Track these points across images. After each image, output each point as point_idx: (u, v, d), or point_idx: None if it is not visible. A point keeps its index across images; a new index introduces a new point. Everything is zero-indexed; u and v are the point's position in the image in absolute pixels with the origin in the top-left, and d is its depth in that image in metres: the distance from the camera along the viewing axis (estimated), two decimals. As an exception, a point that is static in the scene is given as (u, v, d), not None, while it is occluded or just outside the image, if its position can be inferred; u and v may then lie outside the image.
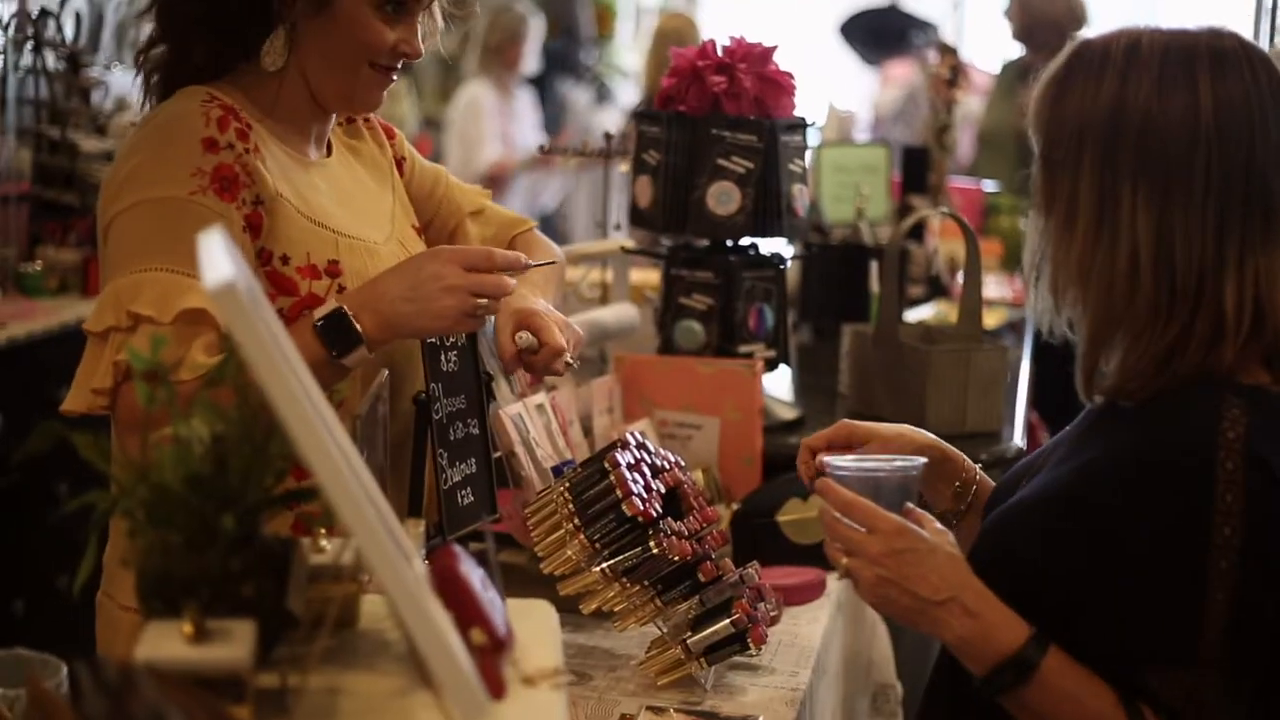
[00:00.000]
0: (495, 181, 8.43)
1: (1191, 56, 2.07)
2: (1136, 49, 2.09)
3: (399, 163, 2.80)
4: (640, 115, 3.63)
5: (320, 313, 2.34)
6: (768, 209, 3.46)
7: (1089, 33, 2.19)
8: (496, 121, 8.99)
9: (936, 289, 5.27)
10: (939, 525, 2.15)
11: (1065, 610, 2.03)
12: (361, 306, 2.34)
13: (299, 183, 2.51)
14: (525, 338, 2.48)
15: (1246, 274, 2.04)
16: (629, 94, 11.76)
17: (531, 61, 9.38)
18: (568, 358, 2.52)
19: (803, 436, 2.44)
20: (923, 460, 2.25)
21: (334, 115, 2.63)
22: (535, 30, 9.24)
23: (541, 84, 10.96)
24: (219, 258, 1.46)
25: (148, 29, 2.57)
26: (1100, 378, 2.14)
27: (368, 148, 2.75)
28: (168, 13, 2.52)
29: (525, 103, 9.50)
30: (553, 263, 2.66)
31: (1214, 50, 2.07)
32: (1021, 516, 2.14)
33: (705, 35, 8.41)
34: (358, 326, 2.32)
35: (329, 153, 2.65)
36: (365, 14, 2.46)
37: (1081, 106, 2.09)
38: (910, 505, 2.18)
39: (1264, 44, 9.73)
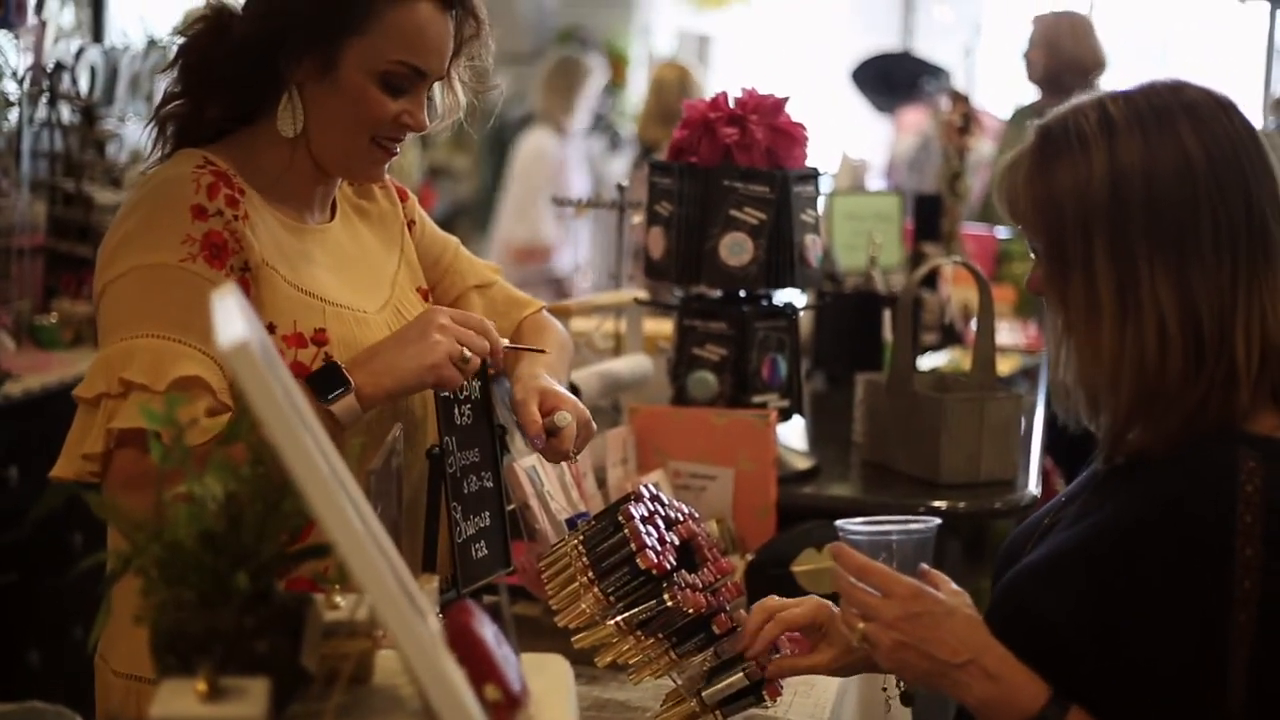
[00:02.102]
0: (533, 254, 8.48)
1: (1168, 112, 2.07)
2: (1108, 117, 2.09)
3: (409, 225, 2.81)
4: (652, 167, 3.63)
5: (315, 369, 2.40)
6: (780, 259, 3.46)
7: (1105, 80, 2.18)
8: (560, 170, 9.05)
9: (950, 336, 5.27)
10: (955, 586, 2.16)
11: (1086, 670, 2.02)
12: (354, 360, 2.39)
13: (289, 250, 2.52)
14: (565, 418, 2.52)
15: (1254, 313, 2.04)
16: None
17: (587, 111, 9.44)
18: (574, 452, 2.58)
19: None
20: (937, 521, 2.26)
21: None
22: (598, 79, 9.26)
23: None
24: (233, 317, 1.46)
25: (164, 83, 2.59)
26: (1131, 444, 2.12)
27: (377, 208, 2.76)
28: (188, 70, 2.55)
29: (579, 151, 9.55)
30: (542, 351, 2.65)
31: (1185, 102, 2.08)
32: (1037, 577, 2.13)
33: (703, 84, 8.49)
34: (346, 374, 2.35)
35: (333, 214, 2.67)
36: (368, 84, 2.47)
37: (1076, 187, 2.08)
38: (925, 567, 2.19)
39: (1275, 86, 9.76)
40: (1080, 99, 2.15)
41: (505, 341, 2.53)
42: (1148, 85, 2.12)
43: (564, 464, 2.84)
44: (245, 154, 2.53)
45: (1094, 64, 7.12)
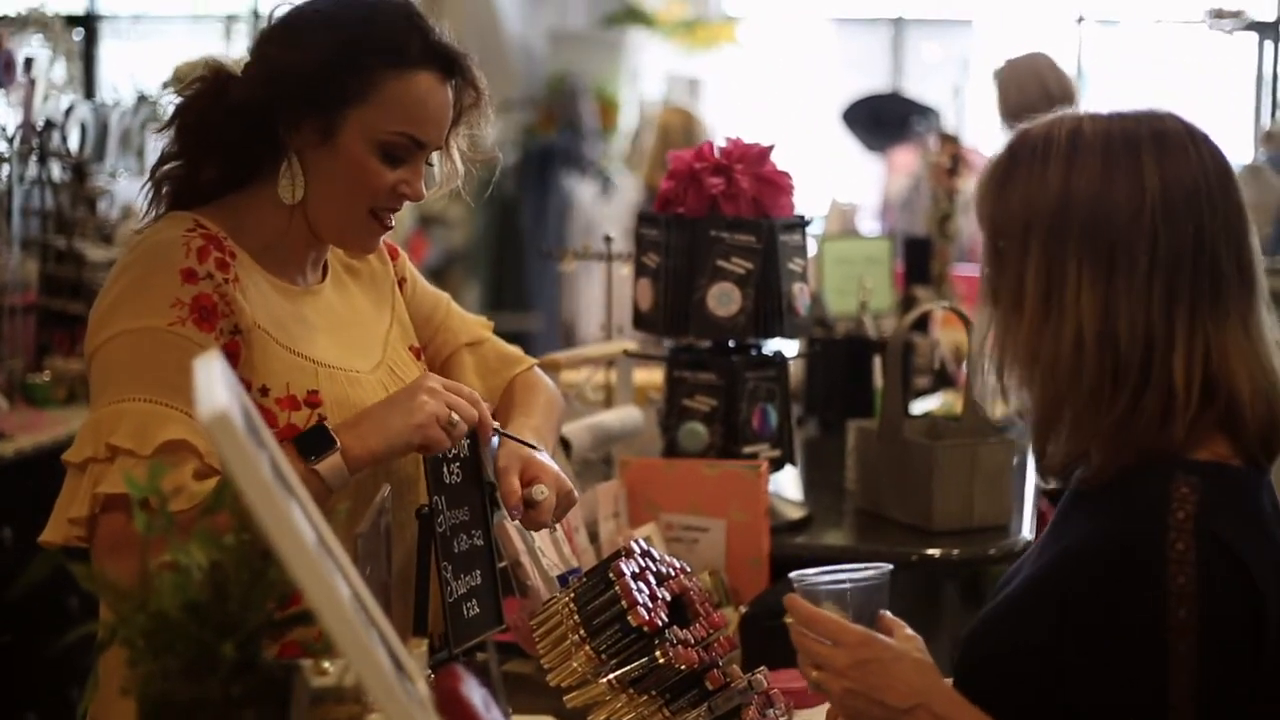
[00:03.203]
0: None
1: (1135, 140, 2.11)
2: (1079, 135, 2.13)
3: (400, 283, 2.81)
4: (640, 218, 3.64)
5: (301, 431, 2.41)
6: (769, 309, 3.47)
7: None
8: None
9: (943, 379, 5.27)
10: (909, 631, 2.21)
11: (1045, 701, 2.05)
12: (342, 423, 2.40)
13: (281, 312, 2.52)
14: (542, 491, 2.53)
15: (1196, 348, 2.06)
16: (633, 187, 11.81)
17: None
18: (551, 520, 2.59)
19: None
20: (889, 567, 2.29)
21: None
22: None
23: (544, 179, 11.01)
24: (215, 385, 1.46)
25: (155, 141, 2.60)
26: (1052, 459, 2.19)
27: (368, 267, 2.76)
28: (185, 132, 2.55)
29: None
30: (533, 446, 2.64)
31: (1156, 132, 2.12)
32: (1004, 613, 2.17)
33: (707, 127, 8.49)
34: (333, 434, 2.35)
35: (324, 276, 2.67)
36: (367, 153, 2.47)
37: (1028, 195, 2.13)
38: (882, 612, 2.24)
39: (1264, 118, 9.77)
40: (1066, 112, 2.20)
41: (496, 424, 2.54)
42: (1131, 112, 2.16)
43: (555, 519, 2.84)
44: (239, 217, 2.53)
45: (1063, 97, 7.12)
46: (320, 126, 2.46)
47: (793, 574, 2.30)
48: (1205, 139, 2.14)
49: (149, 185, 2.58)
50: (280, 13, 2.54)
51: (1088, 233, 2.08)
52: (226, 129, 2.49)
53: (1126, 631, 1.99)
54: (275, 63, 2.47)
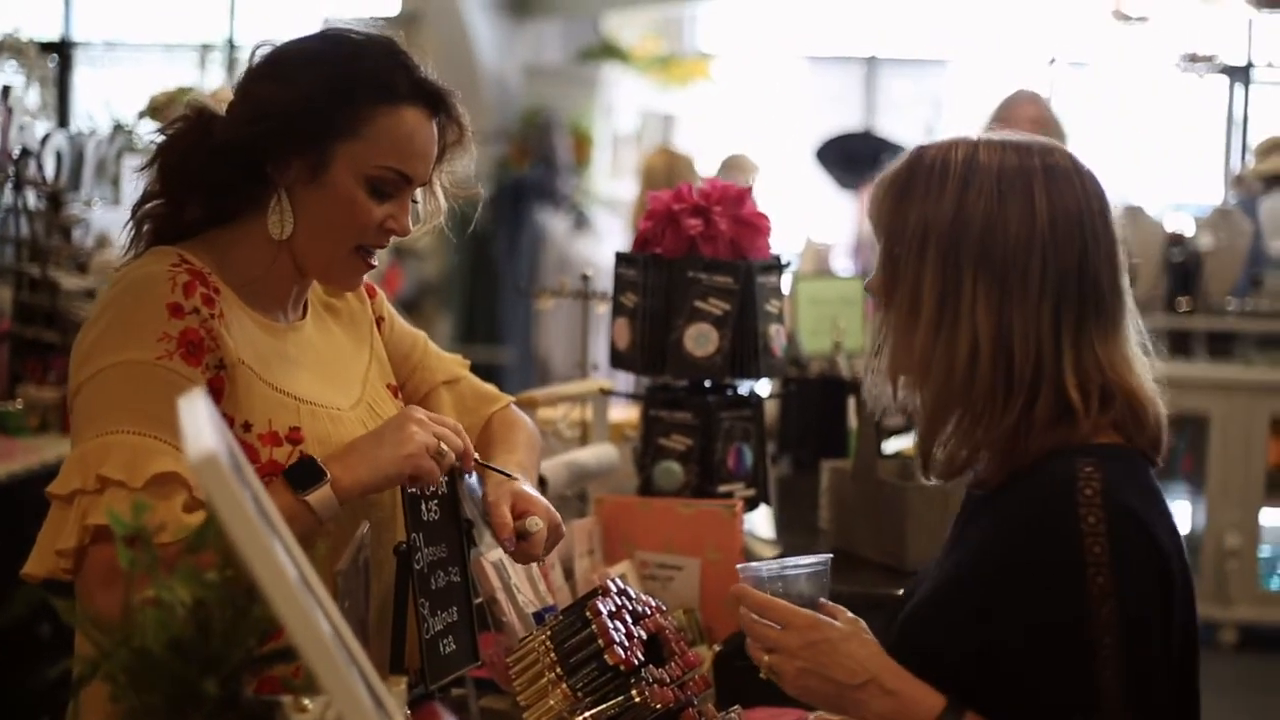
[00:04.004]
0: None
1: (1028, 170, 2.25)
2: (975, 159, 2.26)
3: (378, 322, 2.82)
4: (618, 258, 3.65)
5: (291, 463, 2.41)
6: (745, 349, 3.49)
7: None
8: None
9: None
10: (851, 615, 2.30)
11: (974, 685, 2.16)
12: (330, 455, 2.41)
13: (264, 349, 2.53)
14: (536, 523, 2.55)
15: (1087, 361, 2.22)
16: (606, 222, 11.82)
17: None
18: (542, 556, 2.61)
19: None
20: (829, 556, 2.39)
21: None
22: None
23: (518, 213, 11.02)
24: (200, 424, 1.47)
25: (131, 171, 2.61)
26: (937, 461, 2.33)
27: (347, 306, 2.77)
28: (168, 171, 2.55)
29: None
30: (512, 477, 2.65)
31: (1047, 165, 2.26)
32: (919, 612, 2.30)
33: (691, 166, 8.48)
34: (322, 466, 2.36)
35: (304, 313, 2.68)
36: (355, 188, 2.49)
37: (924, 210, 2.25)
38: (823, 600, 2.33)
39: (1234, 161, 9.80)
40: (962, 135, 2.32)
41: (476, 456, 2.55)
42: (1024, 142, 2.30)
43: (530, 558, 2.85)
44: (222, 253, 2.54)
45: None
46: (309, 163, 2.47)
47: (739, 565, 2.39)
48: (1090, 174, 2.29)
49: (130, 223, 2.59)
50: (265, 50, 2.55)
51: (984, 251, 2.21)
52: (211, 168, 2.50)
53: (1050, 601, 2.11)
54: (264, 100, 2.48)
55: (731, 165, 8.72)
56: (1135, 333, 2.30)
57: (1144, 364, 2.30)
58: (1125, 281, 2.30)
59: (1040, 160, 2.26)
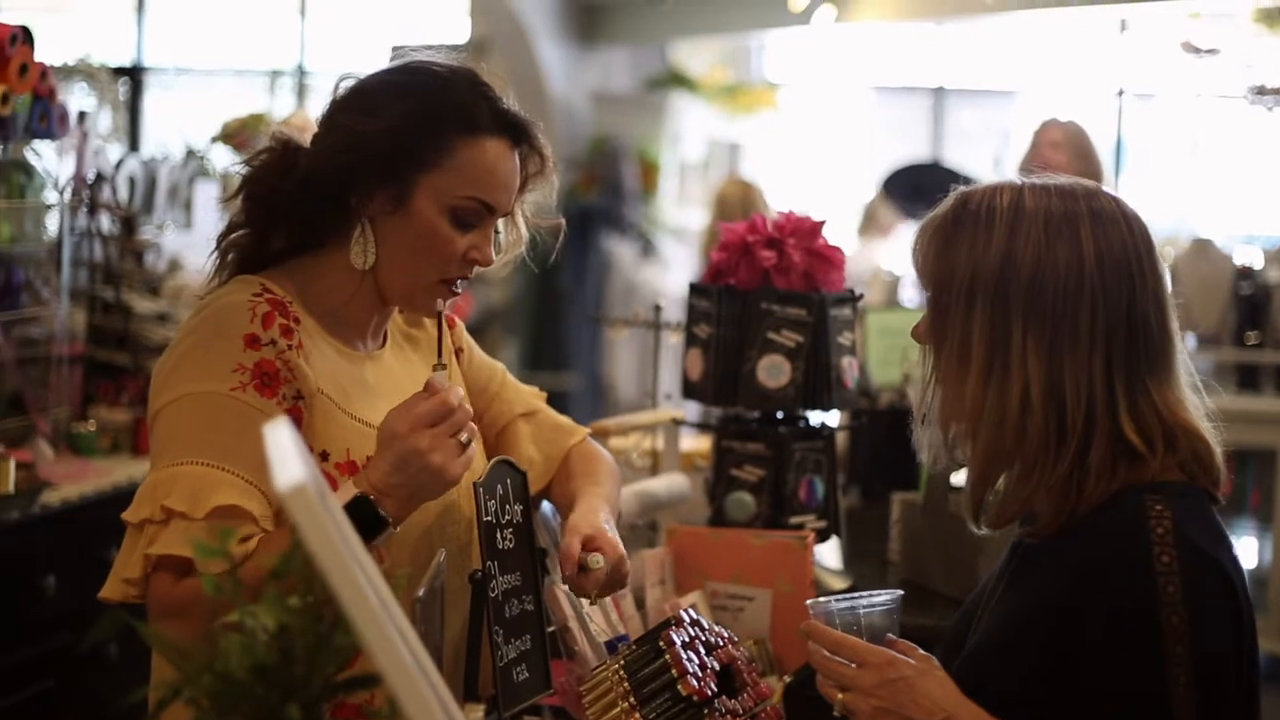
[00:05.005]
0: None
1: (1074, 215, 2.24)
2: (1021, 204, 2.25)
3: (457, 353, 2.84)
4: (691, 289, 3.67)
5: (341, 500, 2.37)
6: (817, 381, 3.49)
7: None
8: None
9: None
10: (923, 653, 2.29)
11: None
12: (375, 487, 2.36)
13: (343, 378, 2.55)
14: (598, 560, 2.53)
15: (1142, 405, 2.21)
16: (672, 249, 11.82)
17: None
18: (596, 593, 2.58)
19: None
20: (900, 593, 2.38)
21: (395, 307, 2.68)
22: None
23: (585, 240, 11.04)
24: (288, 455, 1.48)
25: (203, 196, 2.62)
26: (988, 510, 2.33)
27: (427, 335, 2.78)
28: (253, 201, 2.58)
29: None
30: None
31: (1093, 210, 2.25)
32: (984, 655, 2.28)
33: (765, 197, 8.48)
34: (382, 513, 2.35)
35: (384, 343, 2.69)
36: (439, 218, 2.51)
37: (972, 256, 2.24)
38: (892, 636, 2.32)
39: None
40: (1006, 180, 2.32)
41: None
42: (1068, 185, 2.30)
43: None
44: (305, 282, 2.56)
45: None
46: (393, 193, 2.49)
47: (809, 601, 2.39)
48: (1135, 216, 2.29)
49: (215, 252, 2.61)
50: (349, 82, 2.57)
51: (1032, 299, 2.21)
52: (296, 199, 2.52)
53: (1123, 647, 2.10)
54: (350, 131, 2.50)
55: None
56: (1186, 374, 2.30)
57: (1196, 404, 2.29)
58: (1174, 323, 2.29)
59: (1086, 204, 2.26)
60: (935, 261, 2.30)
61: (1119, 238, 2.24)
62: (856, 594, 2.38)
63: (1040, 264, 2.21)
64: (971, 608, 2.46)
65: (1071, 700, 2.13)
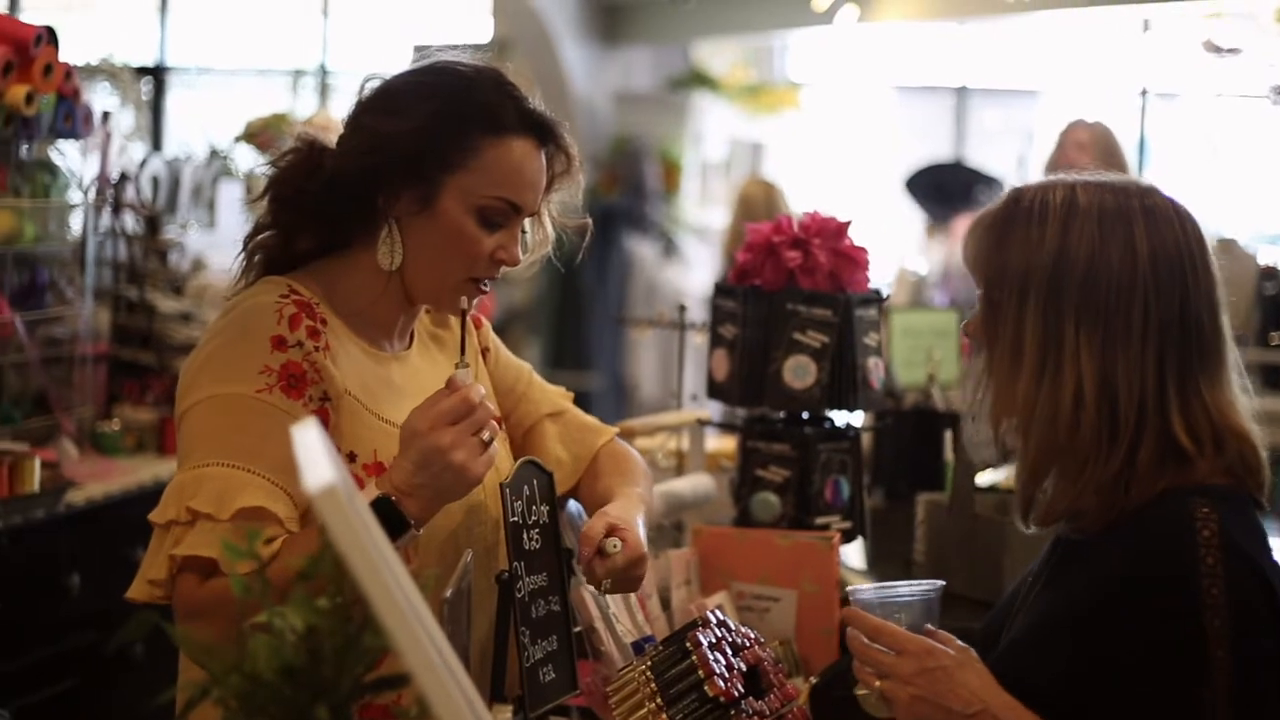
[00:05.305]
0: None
1: (1127, 211, 2.24)
2: (1074, 201, 2.26)
3: (483, 352, 2.84)
4: (716, 289, 3.66)
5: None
6: (843, 382, 3.48)
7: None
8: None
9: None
10: (961, 644, 2.29)
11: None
12: (398, 487, 2.36)
13: (370, 379, 2.55)
14: (615, 544, 2.52)
15: (1193, 405, 2.21)
16: (695, 249, 11.81)
17: None
18: (607, 583, 2.55)
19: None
20: (941, 583, 2.40)
21: (422, 307, 2.68)
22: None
23: (607, 240, 11.03)
24: (317, 456, 1.48)
25: (226, 195, 2.62)
26: (1037, 508, 2.33)
27: (453, 336, 2.78)
28: (279, 203, 2.58)
29: None
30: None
31: (1146, 206, 2.25)
32: (1022, 649, 2.27)
33: (788, 201, 8.46)
34: (406, 516, 2.35)
35: (410, 343, 2.69)
36: (466, 218, 2.51)
37: (1026, 252, 2.25)
38: (931, 626, 2.33)
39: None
40: (1058, 176, 2.33)
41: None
42: (1122, 182, 2.30)
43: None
44: (332, 283, 2.56)
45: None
46: (420, 194, 2.49)
47: (850, 588, 2.40)
48: (1188, 214, 2.29)
49: (241, 254, 2.61)
50: (375, 83, 2.57)
51: (1086, 296, 2.21)
52: (323, 200, 2.52)
53: (1163, 647, 2.11)
54: (376, 133, 2.50)
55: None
56: (1237, 375, 2.30)
57: (1246, 406, 2.29)
58: (1226, 323, 2.29)
59: (1139, 202, 2.26)
60: (988, 257, 2.31)
61: (1172, 235, 2.24)
62: (898, 583, 2.39)
63: (1094, 260, 2.21)
64: (1007, 605, 2.47)
65: (1109, 699, 2.13)
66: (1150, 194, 2.28)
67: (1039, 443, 2.26)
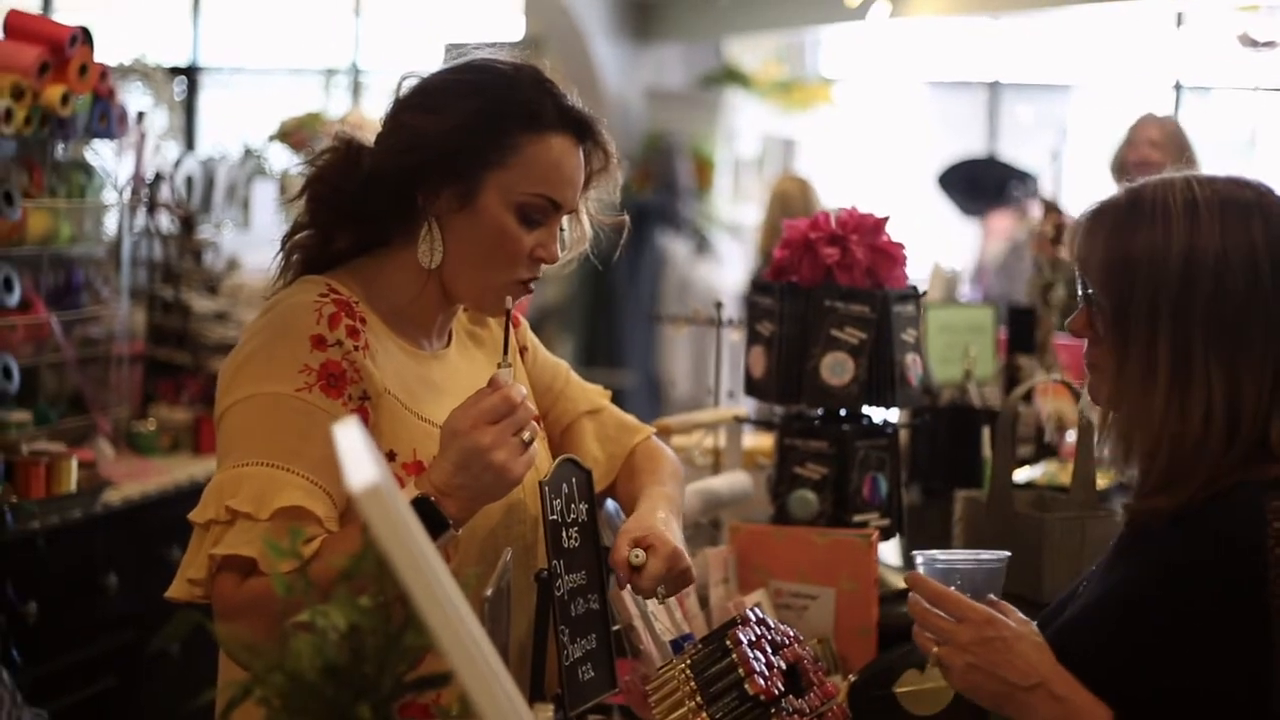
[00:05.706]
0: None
1: (1245, 206, 2.21)
2: (1194, 198, 2.21)
3: (521, 351, 2.83)
4: (753, 286, 3.65)
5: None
6: (881, 379, 3.47)
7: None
8: None
9: (1045, 448, 5.22)
10: (1022, 616, 2.28)
11: (1143, 705, 2.14)
12: (438, 487, 2.36)
13: (409, 377, 2.55)
14: (638, 555, 2.51)
15: None
16: (727, 246, 11.82)
17: None
18: (661, 590, 2.55)
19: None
20: (1007, 554, 2.40)
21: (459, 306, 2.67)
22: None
23: (639, 237, 11.04)
24: (359, 455, 1.48)
25: (260, 195, 2.63)
26: (1141, 514, 2.27)
27: (491, 335, 2.78)
28: (317, 202, 2.58)
29: None
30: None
31: (1261, 202, 2.22)
32: (1081, 626, 2.25)
33: (821, 198, 8.46)
34: (444, 516, 2.35)
35: (449, 342, 2.69)
36: (506, 216, 2.50)
37: (1152, 256, 2.20)
38: (994, 597, 2.32)
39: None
40: (1169, 175, 2.27)
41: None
42: (1231, 177, 2.26)
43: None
44: (371, 281, 2.56)
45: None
46: (460, 191, 2.49)
47: (915, 551, 2.40)
48: None
49: (280, 253, 2.61)
50: (412, 81, 2.57)
51: (1211, 306, 2.17)
52: (362, 198, 2.52)
53: (1229, 632, 2.10)
54: (415, 131, 2.50)
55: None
56: None
57: None
58: None
59: (1255, 196, 2.23)
60: (1111, 262, 2.26)
61: None
62: (963, 550, 2.38)
63: (1220, 261, 2.17)
64: (1071, 591, 2.44)
65: (1168, 679, 2.13)
66: (1264, 191, 2.25)
67: (1166, 458, 2.22)
